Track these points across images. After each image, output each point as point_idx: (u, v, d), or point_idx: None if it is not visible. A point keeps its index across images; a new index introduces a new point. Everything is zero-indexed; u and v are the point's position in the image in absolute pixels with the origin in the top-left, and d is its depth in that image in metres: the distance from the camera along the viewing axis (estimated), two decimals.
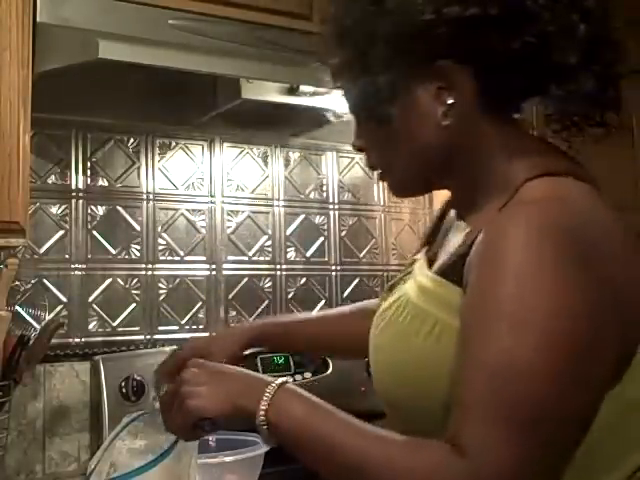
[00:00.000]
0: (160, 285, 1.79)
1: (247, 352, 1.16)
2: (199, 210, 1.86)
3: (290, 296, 1.97)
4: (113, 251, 1.74)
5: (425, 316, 0.79)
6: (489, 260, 0.72)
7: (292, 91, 1.54)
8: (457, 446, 0.67)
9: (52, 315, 1.63)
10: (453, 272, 0.78)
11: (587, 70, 0.77)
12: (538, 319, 0.67)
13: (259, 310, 1.92)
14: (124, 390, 1.59)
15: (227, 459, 1.26)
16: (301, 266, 1.99)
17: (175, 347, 1.19)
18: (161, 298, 1.79)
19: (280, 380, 0.77)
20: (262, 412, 0.74)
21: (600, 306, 0.68)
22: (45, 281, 1.66)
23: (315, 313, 1.12)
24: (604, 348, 0.69)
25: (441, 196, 0.99)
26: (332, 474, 0.73)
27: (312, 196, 2.03)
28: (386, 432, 0.72)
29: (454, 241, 0.85)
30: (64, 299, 1.67)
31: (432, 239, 0.97)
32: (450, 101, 0.80)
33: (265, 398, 0.75)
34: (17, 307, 1.54)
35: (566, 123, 0.82)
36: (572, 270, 0.68)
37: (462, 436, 0.67)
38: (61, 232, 1.69)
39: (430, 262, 0.89)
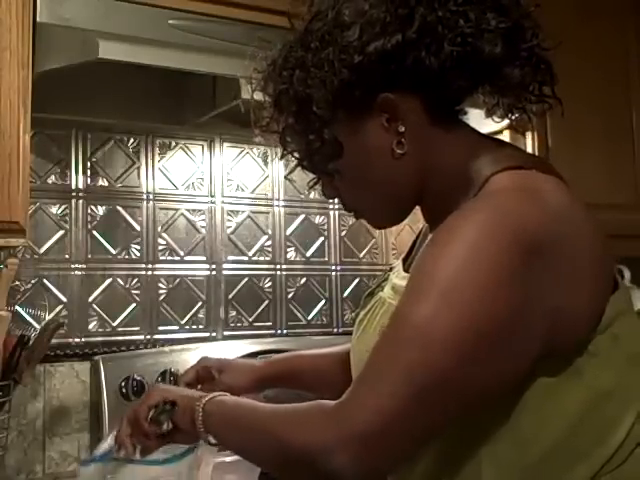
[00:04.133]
0: (160, 285, 1.79)
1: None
2: (199, 210, 1.86)
3: (290, 296, 1.97)
4: (113, 251, 1.74)
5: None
6: (441, 238, 0.73)
7: None
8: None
9: (52, 315, 1.63)
10: None
11: (511, 62, 0.78)
12: (463, 299, 0.68)
13: (259, 310, 1.92)
14: (124, 390, 1.59)
15: (227, 459, 1.26)
16: (301, 266, 1.99)
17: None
18: (161, 298, 1.79)
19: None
20: (202, 402, 0.87)
21: (528, 305, 0.69)
22: (45, 281, 1.65)
23: (338, 348, 1.14)
24: (520, 343, 0.70)
25: None
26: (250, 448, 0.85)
27: (312, 196, 2.03)
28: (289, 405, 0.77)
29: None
30: (64, 299, 1.67)
31: (410, 254, 0.98)
32: (402, 129, 0.80)
33: (206, 397, 0.88)
34: (17, 307, 1.55)
35: (508, 110, 0.83)
36: (514, 263, 0.68)
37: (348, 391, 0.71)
38: (61, 232, 1.69)
39: (407, 271, 0.90)
